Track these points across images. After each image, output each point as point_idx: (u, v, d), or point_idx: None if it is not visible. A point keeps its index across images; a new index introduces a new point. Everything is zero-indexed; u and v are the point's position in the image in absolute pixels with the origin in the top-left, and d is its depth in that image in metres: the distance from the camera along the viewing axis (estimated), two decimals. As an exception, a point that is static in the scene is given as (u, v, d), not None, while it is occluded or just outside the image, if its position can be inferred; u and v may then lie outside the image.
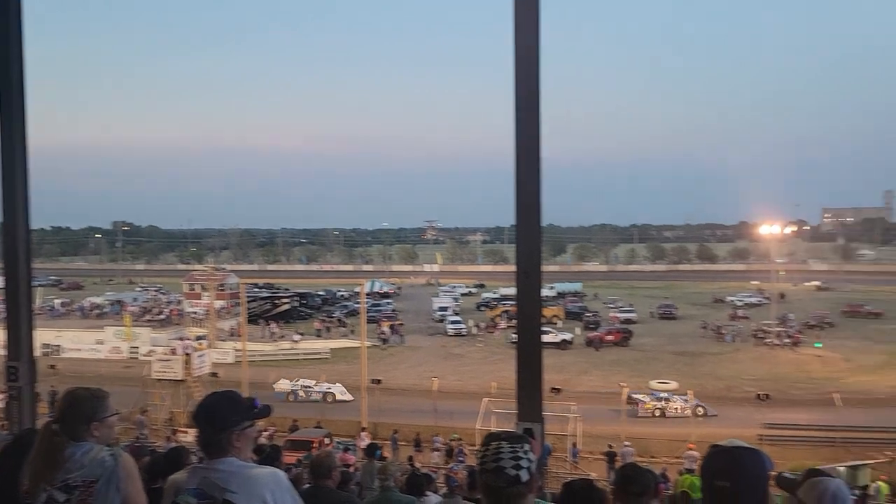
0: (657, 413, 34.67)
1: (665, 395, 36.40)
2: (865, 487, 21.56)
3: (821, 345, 52.62)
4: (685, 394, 35.67)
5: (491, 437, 2.42)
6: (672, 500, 6.82)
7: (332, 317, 65.68)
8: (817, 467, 3.29)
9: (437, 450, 28.58)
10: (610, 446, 27.40)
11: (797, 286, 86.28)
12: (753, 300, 75.96)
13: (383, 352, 52.21)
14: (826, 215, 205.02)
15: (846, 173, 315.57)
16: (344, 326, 60.96)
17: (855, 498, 14.22)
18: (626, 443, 27.56)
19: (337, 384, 39.32)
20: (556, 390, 32.99)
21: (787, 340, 53.90)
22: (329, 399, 37.90)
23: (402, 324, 61.65)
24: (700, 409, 34.70)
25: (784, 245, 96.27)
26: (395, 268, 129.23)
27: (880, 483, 22.56)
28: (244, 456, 2.99)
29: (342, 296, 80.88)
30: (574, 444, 28.74)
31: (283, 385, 39.16)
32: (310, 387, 38.81)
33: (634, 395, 35.89)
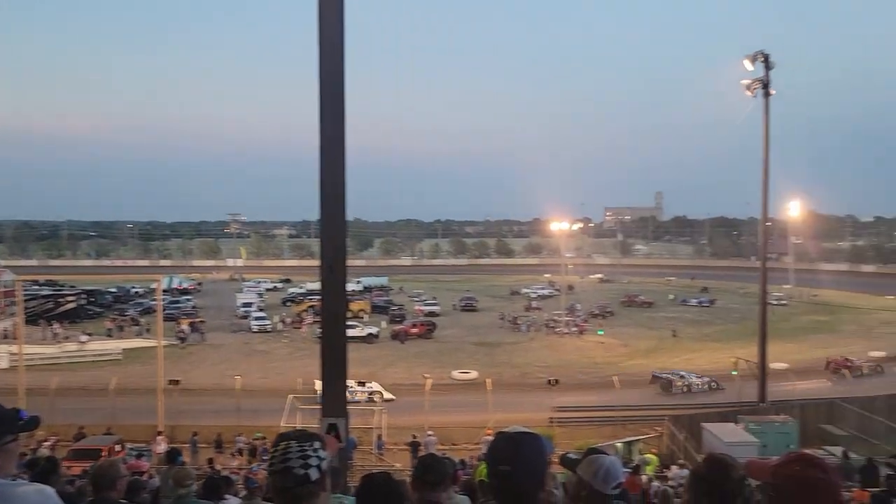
0: (685, 390, 38.19)
1: (682, 373, 40.30)
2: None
3: (603, 332, 57.87)
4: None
5: (281, 438, 2.37)
6: (469, 485, 7.15)
7: (125, 315, 61.39)
8: (595, 446, 3.61)
9: (241, 450, 27.61)
10: (414, 436, 28.00)
11: (583, 279, 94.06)
12: (545, 292, 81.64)
13: (182, 351, 49.45)
14: (608, 214, 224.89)
15: (625, 175, 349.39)
16: (138, 325, 57.11)
17: (628, 471, 15.73)
18: (429, 432, 28.32)
19: (373, 382, 36.28)
20: (362, 384, 33.15)
21: (575, 329, 58.45)
22: (377, 398, 34.39)
23: (203, 321, 59.10)
24: (714, 384, 39.02)
25: (572, 241, 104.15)
26: (196, 263, 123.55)
27: (648, 455, 25.21)
28: (6, 472, 2.69)
29: (136, 293, 76.97)
30: (379, 437, 29.14)
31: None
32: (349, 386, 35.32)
33: (661, 375, 39.93)
